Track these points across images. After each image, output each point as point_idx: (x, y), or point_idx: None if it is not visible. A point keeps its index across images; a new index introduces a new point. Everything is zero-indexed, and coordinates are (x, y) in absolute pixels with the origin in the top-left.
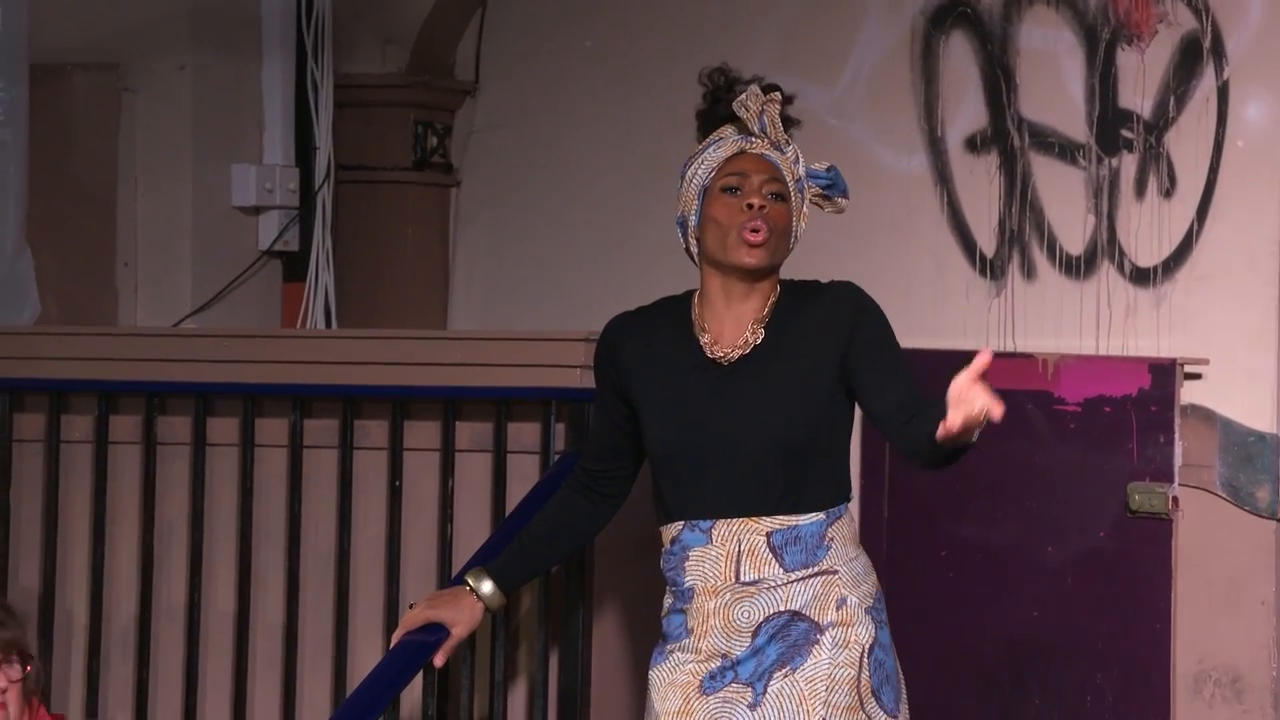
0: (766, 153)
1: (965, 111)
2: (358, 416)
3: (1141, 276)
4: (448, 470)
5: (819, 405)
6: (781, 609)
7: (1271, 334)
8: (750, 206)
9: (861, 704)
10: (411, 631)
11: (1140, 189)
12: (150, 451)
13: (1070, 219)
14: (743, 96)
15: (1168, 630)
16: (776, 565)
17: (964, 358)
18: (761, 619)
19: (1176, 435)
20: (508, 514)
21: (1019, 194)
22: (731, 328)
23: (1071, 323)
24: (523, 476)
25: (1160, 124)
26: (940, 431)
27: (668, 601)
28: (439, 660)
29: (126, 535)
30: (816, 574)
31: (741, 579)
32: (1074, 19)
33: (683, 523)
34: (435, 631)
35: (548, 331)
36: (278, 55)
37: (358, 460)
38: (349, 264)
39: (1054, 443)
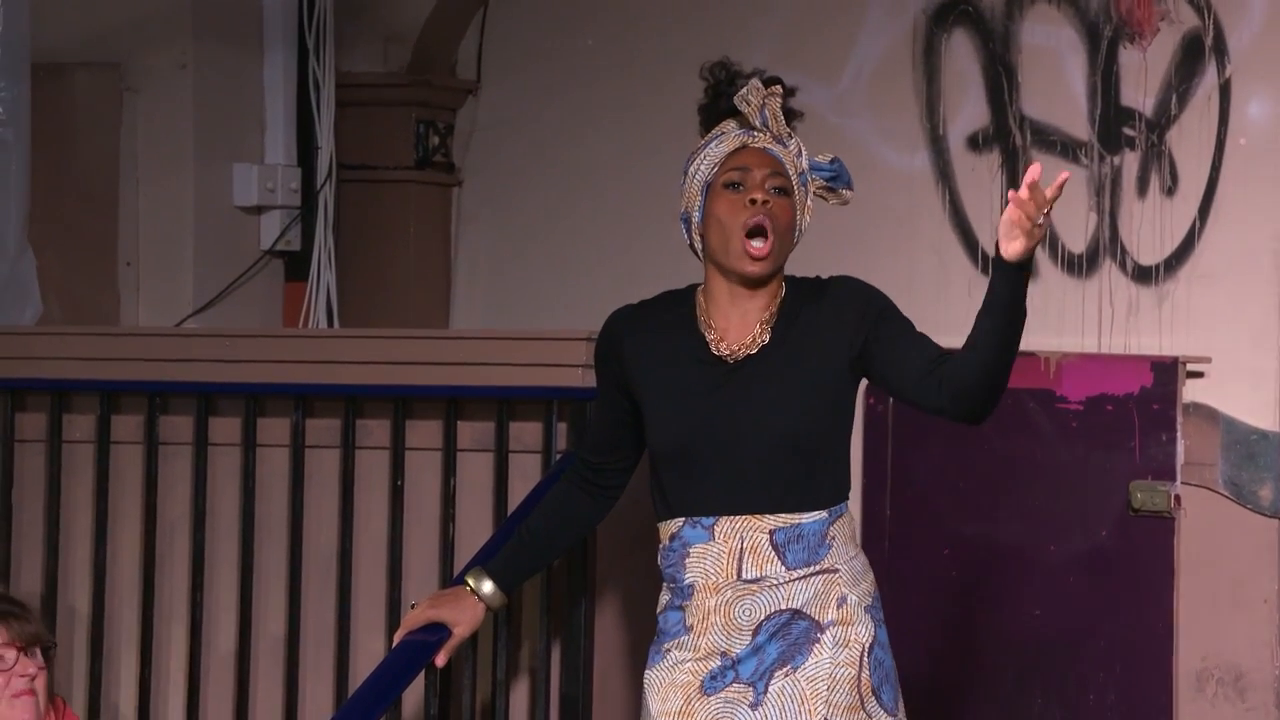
0: (769, 147)
1: (967, 109)
2: (359, 416)
3: (1144, 274)
4: (450, 469)
5: (825, 403)
6: (782, 607)
7: (1273, 332)
8: (753, 202)
9: (862, 703)
10: (413, 631)
11: (1142, 187)
12: (152, 451)
13: (1072, 217)
14: (744, 90)
15: (1170, 628)
16: (779, 563)
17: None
18: (763, 617)
19: (1179, 433)
20: (509, 513)
21: None
22: (738, 325)
23: (1074, 321)
24: (525, 476)
25: (1162, 122)
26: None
27: (664, 598)
28: (441, 660)
29: (128, 535)
30: (818, 572)
31: (743, 576)
32: (1076, 17)
33: (684, 519)
34: (437, 631)
35: (550, 331)
36: (279, 54)
37: (360, 460)
38: (351, 263)
39: (1056, 441)
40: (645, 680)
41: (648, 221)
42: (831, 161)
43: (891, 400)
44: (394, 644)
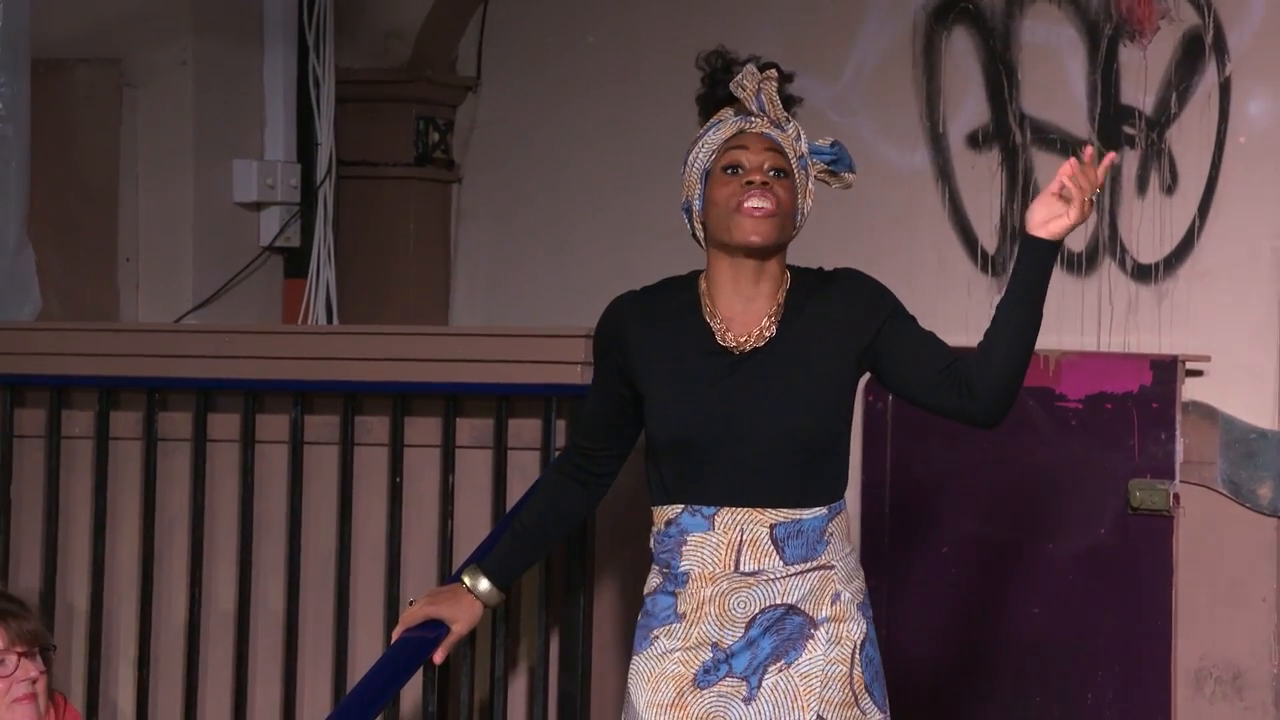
0: (767, 131)
1: (967, 107)
2: (359, 412)
3: (1143, 273)
4: (448, 466)
5: (830, 399)
6: (778, 602)
7: (1273, 331)
8: (750, 183)
9: (855, 700)
10: (412, 628)
11: (1142, 185)
12: (151, 447)
13: None
14: (739, 76)
15: (1169, 627)
16: (777, 557)
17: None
18: (757, 610)
19: (1178, 432)
20: (508, 510)
21: (1020, 190)
22: (743, 315)
23: (1073, 319)
24: (523, 473)
25: (1162, 120)
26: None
27: (654, 580)
28: (439, 657)
29: (127, 531)
30: (814, 568)
31: (741, 569)
32: (1076, 15)
33: (683, 506)
34: (435, 628)
35: (549, 328)
36: (280, 50)
37: (358, 456)
38: (350, 260)
39: (1055, 439)
40: (632, 667)
41: (648, 218)
42: (832, 144)
43: (891, 398)
44: (392, 640)
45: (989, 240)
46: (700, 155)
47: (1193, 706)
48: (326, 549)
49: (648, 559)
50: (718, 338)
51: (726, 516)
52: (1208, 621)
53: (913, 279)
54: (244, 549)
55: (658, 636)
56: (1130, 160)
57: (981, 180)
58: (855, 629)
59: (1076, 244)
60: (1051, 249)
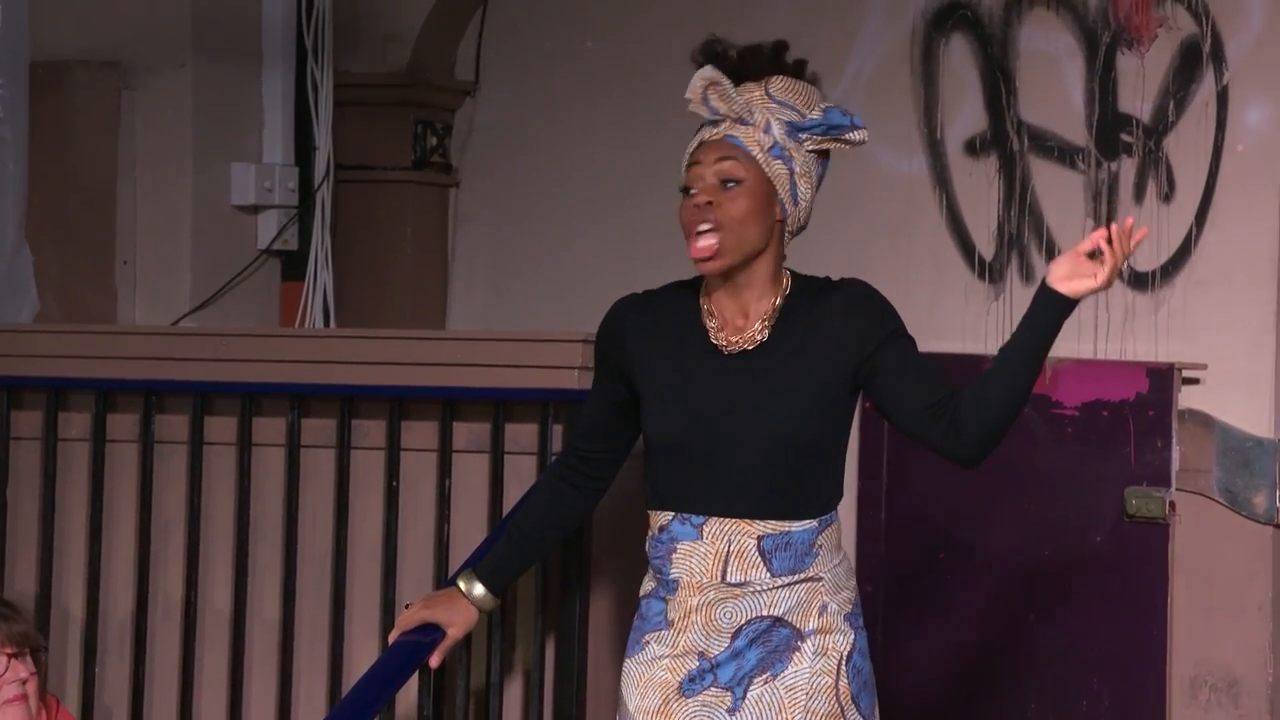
0: (730, 133)
1: (965, 114)
2: (355, 416)
3: (1140, 281)
4: (445, 470)
5: (819, 411)
6: (764, 614)
7: (1270, 339)
8: (696, 206)
9: (842, 711)
10: (408, 632)
11: (1139, 193)
12: (148, 450)
13: (1069, 223)
14: (689, 87)
15: (1164, 635)
16: (764, 569)
17: (963, 361)
18: (743, 621)
19: (1174, 440)
20: (504, 515)
21: (1018, 197)
22: (737, 317)
23: (1070, 327)
24: (520, 477)
25: (1160, 128)
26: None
27: (649, 584)
28: (435, 661)
29: (124, 533)
30: (802, 581)
31: (728, 579)
32: (1074, 22)
33: (674, 514)
34: (431, 632)
35: (546, 332)
36: (278, 54)
37: (355, 460)
38: (348, 263)
39: (1052, 447)
40: (624, 669)
41: (646, 222)
42: (825, 112)
43: None
44: (389, 644)
45: (986, 247)
46: (682, 171)
47: (1188, 714)
48: (323, 552)
49: (644, 564)
50: (711, 335)
51: (715, 527)
52: (1203, 629)
53: (910, 285)
54: (240, 552)
55: (649, 642)
56: (1128, 168)
57: (979, 187)
58: (842, 640)
59: None
60: (1068, 306)
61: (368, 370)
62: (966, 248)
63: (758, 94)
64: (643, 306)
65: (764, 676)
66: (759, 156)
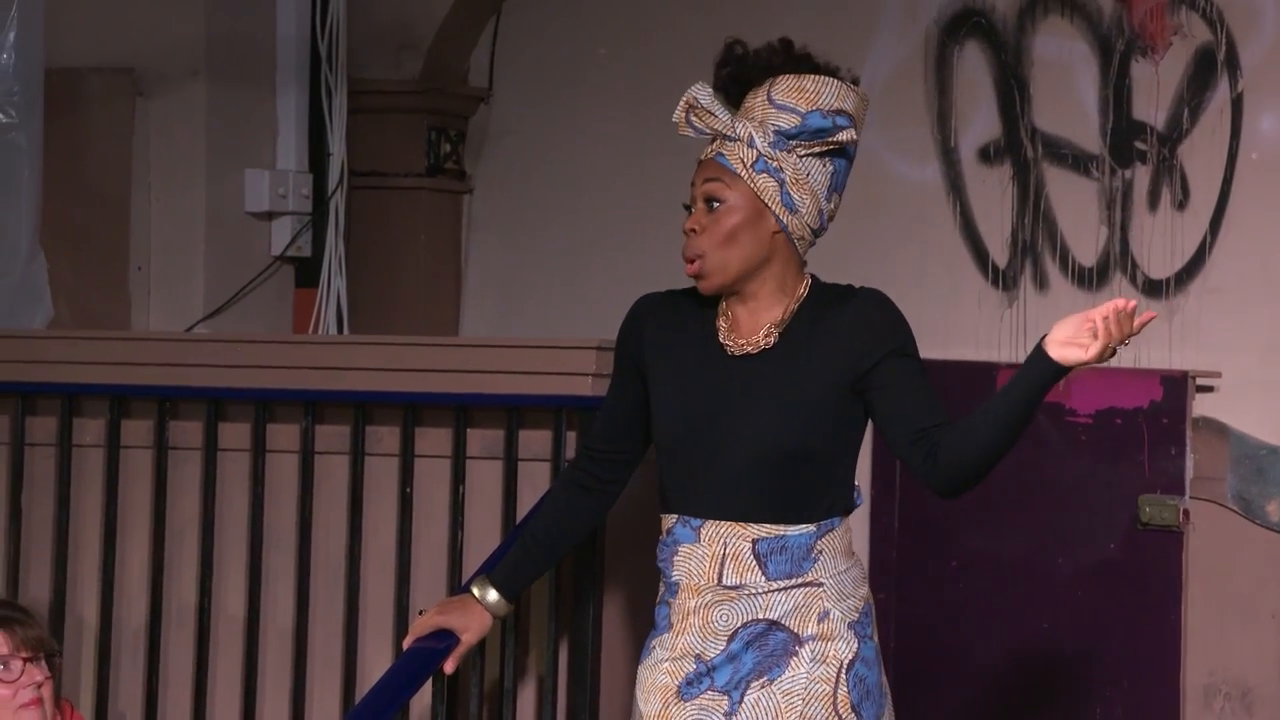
0: (719, 151)
1: (978, 122)
2: (369, 422)
3: (1154, 288)
4: (459, 477)
5: (819, 420)
6: (760, 617)
7: None
8: (685, 234)
9: (839, 718)
10: (422, 638)
11: (1153, 201)
12: (162, 456)
13: (1083, 230)
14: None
15: (1178, 643)
16: (759, 573)
17: (976, 369)
18: (739, 624)
19: (1188, 448)
20: (518, 521)
21: (1032, 205)
22: (749, 321)
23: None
24: (533, 484)
25: (1174, 136)
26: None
27: (660, 589)
28: (449, 667)
29: (137, 539)
30: (800, 585)
31: (724, 582)
32: (1088, 30)
33: (676, 516)
34: (445, 638)
35: (559, 339)
36: (292, 61)
37: (369, 466)
38: (361, 270)
39: (1065, 454)
40: (637, 674)
41: (659, 229)
42: (804, 118)
43: None
44: (403, 650)
45: (1000, 254)
46: None
47: None
48: (336, 559)
49: (657, 569)
50: (720, 335)
51: (712, 529)
52: (1217, 638)
53: (923, 293)
54: (254, 558)
55: (654, 647)
56: (1142, 176)
57: (993, 195)
58: (844, 648)
59: (1087, 259)
60: (1058, 373)
61: (381, 376)
62: (980, 255)
63: (759, 99)
64: (663, 305)
65: (761, 681)
66: (743, 173)
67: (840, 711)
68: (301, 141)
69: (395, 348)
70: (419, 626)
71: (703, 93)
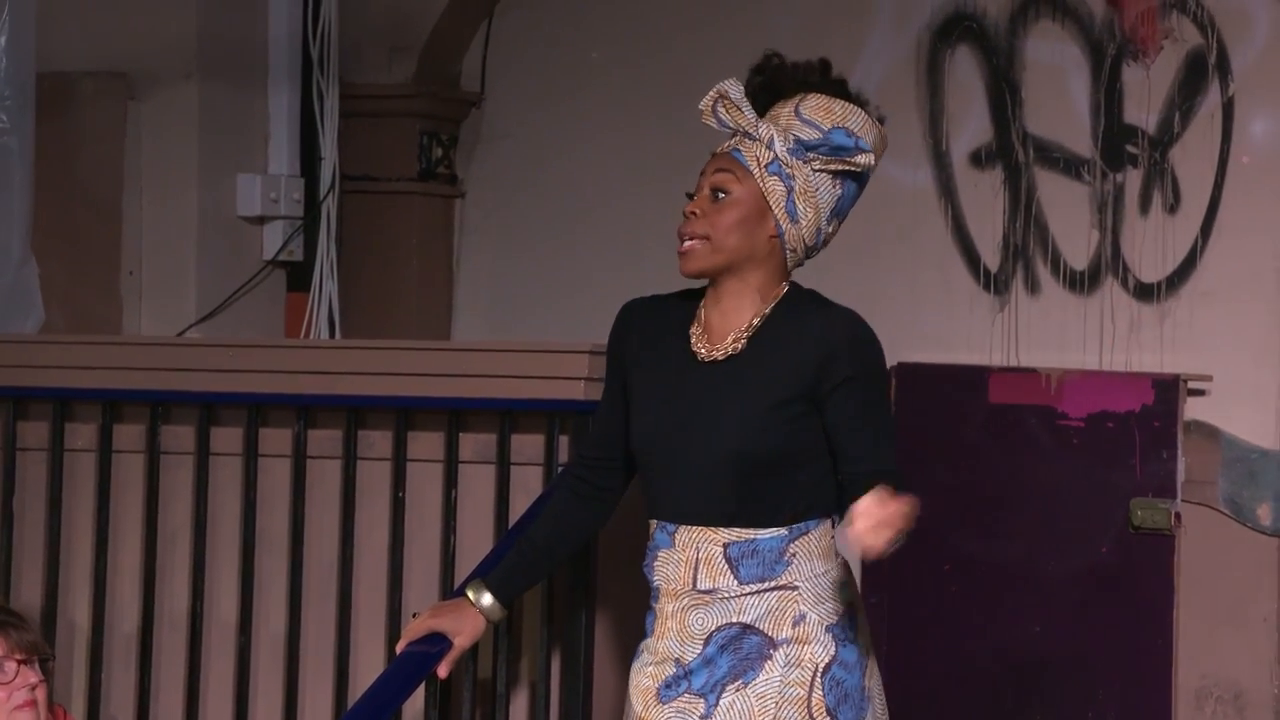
0: (737, 147)
1: (970, 126)
2: (361, 427)
3: (1145, 292)
4: (451, 481)
5: (780, 427)
6: (733, 620)
7: (1275, 350)
8: (685, 216)
9: None
10: (415, 642)
11: (1145, 205)
12: (154, 460)
13: (1074, 234)
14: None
15: (1169, 646)
16: (731, 576)
17: (967, 372)
18: (713, 628)
19: (1179, 451)
20: (511, 525)
21: (1023, 208)
22: (721, 326)
23: (1075, 338)
24: (526, 488)
25: (1165, 140)
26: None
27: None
28: (443, 671)
29: (129, 544)
30: (773, 588)
31: (698, 586)
32: (1080, 34)
33: (656, 522)
34: (438, 642)
35: (552, 343)
36: (284, 66)
37: (361, 471)
38: (353, 274)
39: (1057, 458)
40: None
41: (652, 234)
42: (829, 131)
43: (895, 414)
44: (396, 654)
45: (991, 258)
46: None
47: None
48: (329, 563)
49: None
50: (692, 343)
51: (685, 534)
52: (1209, 641)
53: (915, 297)
54: (246, 562)
55: (642, 650)
56: (1133, 179)
57: (984, 198)
58: (820, 651)
59: (1079, 263)
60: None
61: (374, 381)
62: (972, 259)
63: (787, 109)
64: (649, 309)
65: (736, 684)
66: (755, 171)
67: (815, 715)
68: (293, 145)
69: (387, 352)
70: (412, 630)
71: (734, 87)
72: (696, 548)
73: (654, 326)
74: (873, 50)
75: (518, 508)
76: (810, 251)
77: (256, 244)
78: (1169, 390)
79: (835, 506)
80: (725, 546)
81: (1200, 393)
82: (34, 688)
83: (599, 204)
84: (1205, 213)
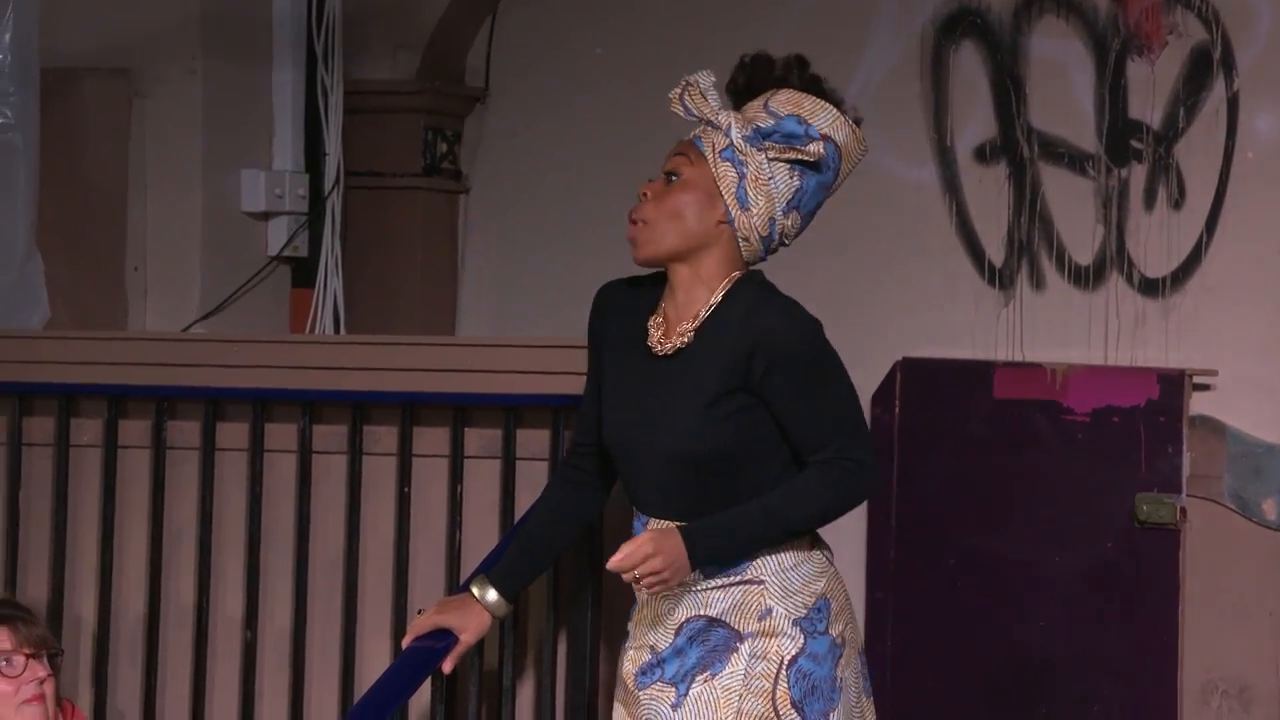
0: (698, 134)
1: (975, 121)
2: (367, 422)
3: (1150, 287)
4: (456, 476)
5: (721, 422)
6: (700, 613)
7: None
8: (639, 199)
9: (777, 715)
10: (421, 637)
11: (1149, 200)
12: (159, 456)
13: (1079, 229)
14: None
15: (1175, 641)
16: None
17: (972, 367)
18: (684, 619)
19: (1185, 446)
20: (516, 521)
21: (1028, 204)
22: (675, 318)
23: (1080, 333)
24: (531, 483)
25: (1170, 135)
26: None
27: None
28: (448, 667)
29: (135, 539)
30: (738, 583)
31: None
32: (1084, 29)
33: (635, 512)
34: (444, 638)
35: (556, 338)
36: (288, 60)
37: (366, 466)
38: (358, 270)
39: (1062, 453)
40: None
41: None
42: (783, 119)
43: (897, 410)
44: (401, 650)
45: (996, 254)
46: None
47: None
48: (334, 558)
49: None
50: (649, 337)
51: (653, 525)
52: (1214, 636)
53: (920, 292)
54: (251, 557)
55: (628, 632)
56: (1138, 175)
57: (989, 194)
58: (788, 644)
59: (1084, 258)
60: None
61: (379, 376)
62: (976, 254)
63: (758, 103)
64: (622, 292)
65: (704, 675)
66: (709, 157)
67: (779, 707)
68: (298, 141)
69: (392, 347)
70: (418, 626)
71: (703, 78)
72: None
73: (625, 311)
74: (877, 46)
75: (522, 503)
76: (767, 244)
77: (261, 240)
78: (1174, 385)
79: None
80: None
81: (1205, 388)
82: (42, 682)
83: (603, 198)
84: (1210, 208)
